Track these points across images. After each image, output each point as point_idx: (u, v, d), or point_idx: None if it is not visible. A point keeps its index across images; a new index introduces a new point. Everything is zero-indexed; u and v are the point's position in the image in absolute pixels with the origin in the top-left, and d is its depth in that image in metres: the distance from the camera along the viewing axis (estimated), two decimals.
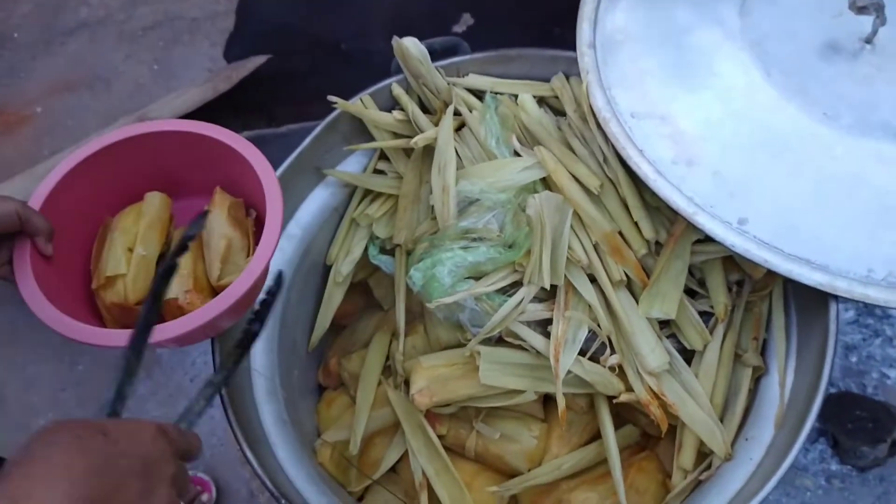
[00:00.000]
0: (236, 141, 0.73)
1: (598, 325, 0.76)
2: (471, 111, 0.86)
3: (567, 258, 0.76)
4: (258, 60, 1.47)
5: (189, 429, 0.59)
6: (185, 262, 0.73)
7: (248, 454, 0.70)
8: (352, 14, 1.56)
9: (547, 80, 0.89)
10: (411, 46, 0.86)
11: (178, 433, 0.51)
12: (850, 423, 1.12)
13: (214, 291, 0.72)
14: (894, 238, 0.69)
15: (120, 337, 0.63)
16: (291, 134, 1.52)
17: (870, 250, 0.68)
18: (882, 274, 0.68)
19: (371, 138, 0.91)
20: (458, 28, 1.50)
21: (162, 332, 0.64)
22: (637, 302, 0.77)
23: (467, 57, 0.90)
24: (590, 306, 0.76)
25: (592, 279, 0.78)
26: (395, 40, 0.86)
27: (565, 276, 0.76)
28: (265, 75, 1.53)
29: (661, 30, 0.81)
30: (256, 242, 0.72)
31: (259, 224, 0.75)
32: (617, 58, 0.80)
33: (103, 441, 0.42)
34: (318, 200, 0.91)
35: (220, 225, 0.73)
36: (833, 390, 1.21)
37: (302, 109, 1.50)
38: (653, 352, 0.74)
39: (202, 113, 1.51)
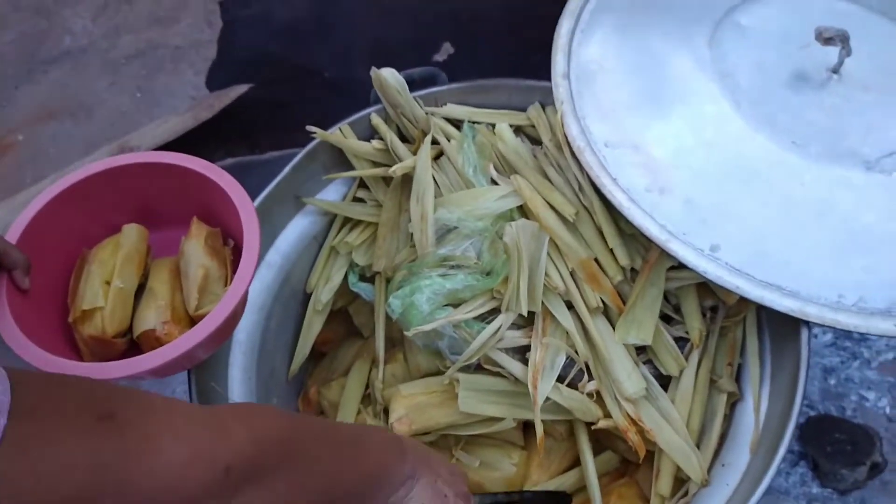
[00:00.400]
0: (213, 171, 0.74)
1: (576, 352, 0.76)
2: (448, 140, 0.87)
3: (544, 285, 0.77)
4: (240, 89, 1.48)
5: None
6: (163, 292, 0.73)
7: None
8: (334, 43, 1.58)
9: (524, 110, 0.90)
10: (389, 77, 0.87)
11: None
12: (829, 447, 1.13)
13: (192, 321, 0.72)
14: (863, 264, 0.70)
15: (99, 370, 0.63)
16: (275, 161, 1.52)
17: (839, 276, 0.70)
18: (852, 300, 0.69)
19: (350, 167, 0.92)
20: (439, 57, 1.51)
21: (139, 364, 0.63)
22: (614, 328, 0.77)
23: (445, 87, 0.91)
24: (567, 333, 0.77)
25: (570, 306, 0.78)
26: (374, 71, 0.87)
27: (543, 303, 0.77)
28: (249, 103, 1.54)
29: (633, 61, 0.82)
30: (234, 272, 0.72)
31: (237, 253, 0.75)
32: (591, 88, 0.82)
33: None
34: (297, 229, 0.92)
35: (197, 255, 0.73)
36: (813, 413, 1.22)
37: (286, 137, 1.51)
38: (629, 378, 0.75)
39: (185, 140, 1.51)
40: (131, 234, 0.76)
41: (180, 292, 0.74)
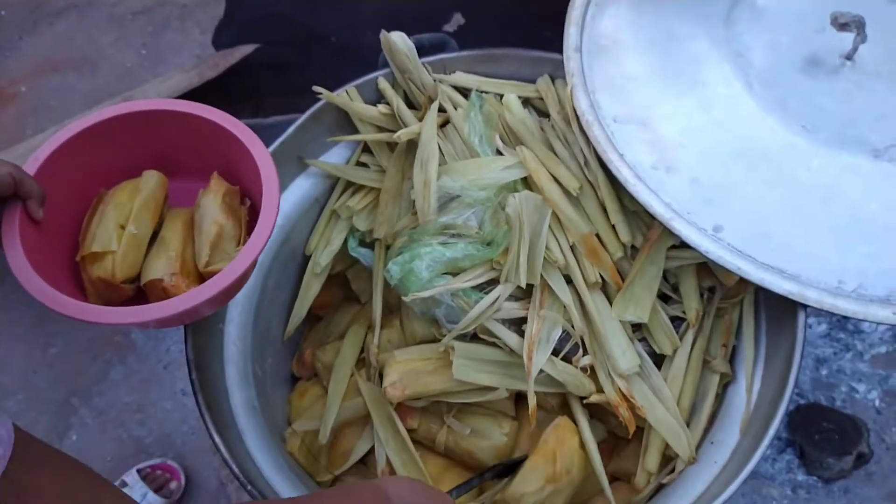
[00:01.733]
0: (238, 127, 0.73)
1: (573, 326, 0.77)
2: (456, 108, 0.86)
3: (544, 258, 0.77)
4: (246, 49, 1.46)
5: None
6: (175, 243, 0.72)
7: (217, 439, 0.70)
8: (343, 8, 1.56)
9: (533, 82, 0.89)
10: (398, 41, 0.86)
11: None
12: (817, 435, 1.14)
13: (200, 276, 0.72)
14: (865, 250, 0.70)
15: (102, 314, 0.63)
16: (278, 125, 1.50)
17: (841, 262, 0.70)
18: (852, 286, 0.69)
19: (355, 131, 0.91)
20: (449, 27, 1.50)
21: (148, 312, 0.63)
22: (611, 305, 0.77)
23: (454, 55, 0.90)
24: (564, 307, 0.77)
25: (568, 280, 0.78)
26: (384, 34, 0.86)
27: (542, 276, 0.77)
28: (254, 64, 1.52)
29: (647, 37, 0.82)
30: (249, 232, 0.72)
31: (253, 214, 0.75)
32: (602, 62, 0.81)
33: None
34: (299, 190, 0.91)
35: (212, 211, 0.72)
36: (802, 402, 1.23)
37: (290, 101, 1.49)
38: (624, 354, 0.75)
39: (188, 98, 1.50)
40: (151, 181, 0.75)
41: (192, 245, 0.73)
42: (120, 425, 1.31)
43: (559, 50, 0.83)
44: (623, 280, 0.78)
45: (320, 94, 0.88)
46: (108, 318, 0.63)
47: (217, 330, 0.82)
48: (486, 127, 0.84)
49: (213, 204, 0.73)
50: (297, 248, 0.92)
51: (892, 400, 1.23)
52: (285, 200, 0.90)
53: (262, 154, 0.72)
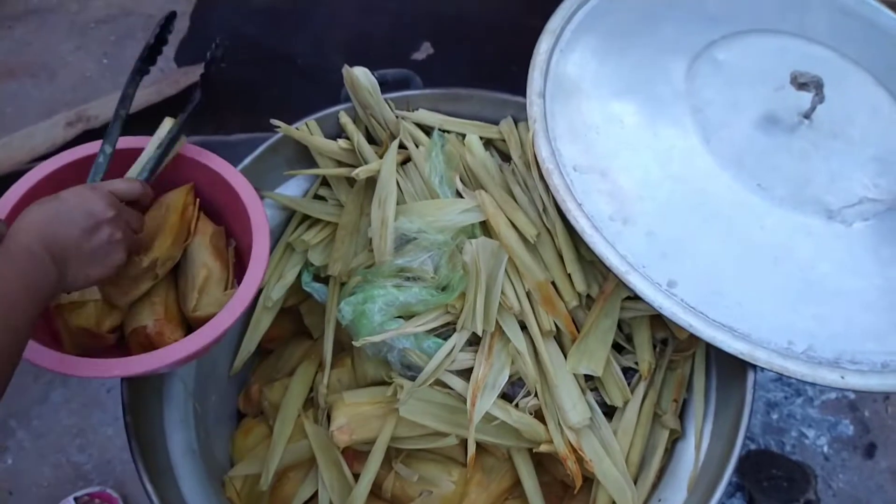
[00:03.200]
0: (224, 167, 0.72)
1: (524, 374, 0.76)
2: (417, 146, 0.85)
3: (499, 304, 0.76)
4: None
5: (147, 178, 0.70)
6: (159, 288, 0.70)
7: (149, 488, 0.67)
8: (311, 31, 1.55)
9: (496, 122, 0.89)
10: (361, 76, 0.85)
11: (126, 185, 0.66)
12: (766, 482, 1.15)
13: (185, 322, 0.69)
14: (815, 312, 0.71)
15: (87, 367, 0.60)
16: (240, 144, 1.48)
17: (791, 322, 0.70)
18: (802, 347, 0.69)
19: (314, 163, 0.89)
20: (418, 55, 1.49)
21: (133, 365, 0.61)
22: (564, 354, 0.77)
23: (418, 91, 0.89)
24: (518, 352, 0.76)
25: (523, 326, 0.78)
26: (346, 69, 0.85)
27: (496, 321, 0.76)
28: (217, 82, 1.50)
29: (609, 86, 0.82)
30: (235, 274, 0.70)
31: (237, 254, 0.74)
32: (565, 109, 0.81)
33: (56, 202, 0.58)
34: None
35: (200, 254, 0.70)
36: (753, 447, 1.24)
37: (253, 120, 1.46)
38: (574, 407, 0.74)
39: (149, 113, 1.47)
40: None
41: (175, 291, 0.70)
42: (59, 450, 1.27)
43: (525, 86, 0.83)
44: (578, 329, 0.77)
45: (278, 127, 0.86)
46: (93, 372, 0.60)
47: None
48: (446, 167, 0.83)
49: (200, 245, 0.70)
50: None
51: (840, 446, 1.25)
52: None
53: (250, 198, 0.70)
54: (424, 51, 1.50)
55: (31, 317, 0.52)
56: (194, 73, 1.42)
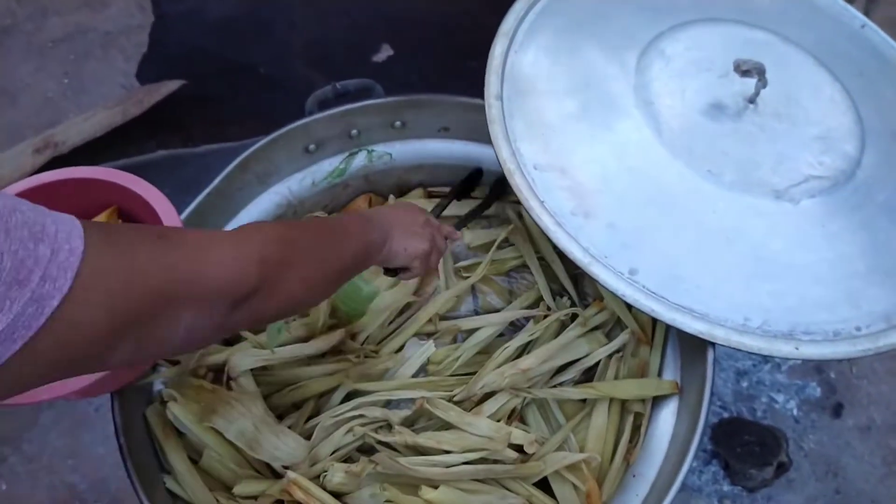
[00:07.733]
0: (151, 195, 0.73)
1: None
2: None
3: None
4: (172, 85, 1.44)
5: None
6: None
7: None
8: (271, 40, 1.56)
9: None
10: None
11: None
12: (739, 448, 1.20)
13: None
14: (769, 288, 0.75)
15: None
16: (209, 154, 1.50)
17: (746, 300, 0.74)
18: (757, 322, 0.73)
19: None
20: (378, 57, 1.51)
21: (68, 385, 0.62)
22: None
23: (380, 101, 0.92)
24: None
25: None
26: None
27: None
28: (181, 98, 1.50)
29: (563, 84, 0.85)
30: None
31: None
32: (523, 109, 0.84)
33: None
34: None
35: None
36: (725, 415, 1.29)
37: (220, 130, 1.48)
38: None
39: (115, 130, 1.47)
40: None
41: None
42: (52, 472, 1.28)
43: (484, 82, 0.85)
44: None
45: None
46: (28, 397, 0.61)
47: (146, 384, 0.81)
48: None
49: None
50: None
51: (809, 409, 1.31)
52: None
53: (168, 213, 0.72)
54: (384, 52, 1.52)
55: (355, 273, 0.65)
56: (158, 90, 1.42)
